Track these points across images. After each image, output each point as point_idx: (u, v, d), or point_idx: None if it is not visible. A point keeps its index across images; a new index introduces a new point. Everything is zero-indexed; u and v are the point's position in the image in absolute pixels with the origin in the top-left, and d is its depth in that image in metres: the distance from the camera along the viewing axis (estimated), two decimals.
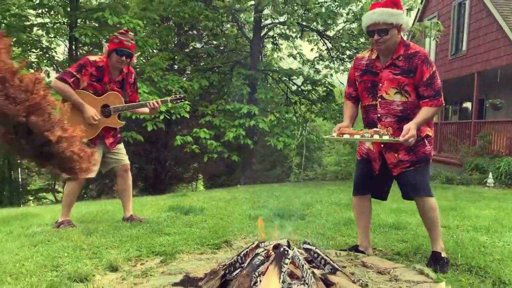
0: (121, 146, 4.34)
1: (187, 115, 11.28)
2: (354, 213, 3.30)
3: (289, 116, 14.11)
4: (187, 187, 21.48)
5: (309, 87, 14.71)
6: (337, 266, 2.32)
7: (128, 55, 3.96)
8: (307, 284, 2.06)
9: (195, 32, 16.47)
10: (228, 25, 16.35)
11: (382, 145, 2.94)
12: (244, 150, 13.49)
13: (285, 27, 13.71)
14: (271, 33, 15.54)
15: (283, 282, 2.05)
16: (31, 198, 12.90)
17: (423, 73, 2.76)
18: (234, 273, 2.22)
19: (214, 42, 16.41)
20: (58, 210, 5.75)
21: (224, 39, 15.19)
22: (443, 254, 2.87)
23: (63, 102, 3.95)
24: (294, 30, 14.01)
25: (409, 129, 2.63)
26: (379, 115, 2.92)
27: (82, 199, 11.29)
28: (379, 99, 2.90)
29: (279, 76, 14.65)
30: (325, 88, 14.25)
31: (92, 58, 4.00)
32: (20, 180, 15.73)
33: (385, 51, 2.85)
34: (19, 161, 13.45)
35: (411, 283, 2.34)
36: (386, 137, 2.70)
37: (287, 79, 14.77)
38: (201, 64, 14.97)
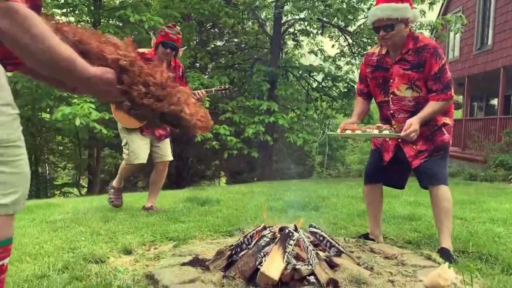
0: (167, 141, 4.49)
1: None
2: (365, 201, 3.31)
3: (310, 113, 14.06)
4: (209, 184, 21.69)
5: (330, 84, 14.63)
6: (342, 249, 2.35)
7: (173, 47, 4.09)
8: (311, 264, 2.10)
9: (216, 30, 16.61)
10: (250, 23, 16.43)
11: (399, 139, 2.91)
12: (264, 146, 13.53)
13: (306, 23, 13.69)
14: (291, 30, 15.53)
15: (288, 262, 2.09)
16: (57, 192, 13.32)
17: (431, 66, 2.71)
18: (241, 254, 2.27)
19: (235, 40, 16.51)
20: (80, 201, 5.96)
21: (244, 36, 15.26)
22: (452, 252, 2.75)
23: None
24: (315, 26, 13.97)
25: (411, 124, 2.61)
26: (392, 112, 2.91)
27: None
28: (391, 95, 2.89)
29: (300, 72, 14.62)
30: (346, 84, 14.15)
31: (140, 50, 4.15)
32: (47, 175, 16.23)
33: (392, 47, 2.82)
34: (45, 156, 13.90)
35: (417, 267, 2.35)
36: (386, 132, 2.70)
37: (308, 75, 14.74)
38: (222, 61, 15.08)
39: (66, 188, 14.36)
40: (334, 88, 14.68)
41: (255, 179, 10.95)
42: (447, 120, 2.88)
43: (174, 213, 4.23)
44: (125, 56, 1.45)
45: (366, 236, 3.11)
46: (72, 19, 12.25)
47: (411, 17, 2.74)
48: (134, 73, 1.45)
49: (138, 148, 4.25)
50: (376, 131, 2.72)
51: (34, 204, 5.22)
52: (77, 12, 11.53)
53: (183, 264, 2.31)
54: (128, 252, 2.92)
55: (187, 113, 1.50)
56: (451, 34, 15.16)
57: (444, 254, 2.65)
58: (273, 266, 2.03)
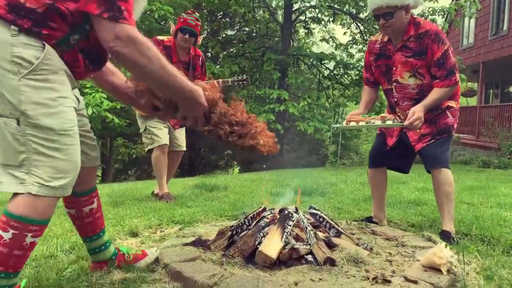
0: (183, 131, 4.48)
1: None
2: (369, 185, 3.31)
3: (322, 101, 13.99)
4: (221, 173, 21.81)
5: (342, 71, 14.52)
6: (341, 230, 2.37)
7: (192, 33, 4.04)
8: (310, 244, 2.13)
9: (227, 19, 16.58)
10: (260, 11, 16.35)
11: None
12: (275, 135, 13.54)
13: (317, 10, 13.57)
14: (302, 18, 15.41)
15: (286, 243, 2.13)
16: None
17: (434, 52, 2.67)
18: (241, 234, 2.32)
19: (246, 29, 16.46)
20: None
21: (255, 25, 15.20)
22: (453, 235, 2.75)
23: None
24: (326, 13, 13.84)
25: (414, 112, 2.59)
26: (395, 100, 2.90)
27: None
28: (394, 83, 2.87)
29: (311, 60, 14.54)
30: (357, 72, 14.04)
31: (159, 37, 4.19)
32: None
33: (393, 34, 2.79)
34: None
35: (417, 248, 2.36)
36: (389, 122, 2.69)
37: (319, 63, 14.65)
38: (233, 50, 15.07)
39: None
40: (345, 76, 14.58)
41: (264, 166, 10.96)
42: (452, 103, 2.84)
43: (181, 198, 4.30)
44: (212, 96, 1.71)
45: (369, 219, 3.12)
46: None
47: (411, 3, 2.68)
48: (221, 114, 1.70)
49: (158, 131, 4.21)
50: (379, 122, 2.71)
51: None
52: None
53: (185, 244, 2.37)
54: (134, 234, 2.99)
55: (262, 144, 1.78)
56: (466, 20, 14.87)
57: (445, 236, 2.65)
58: (271, 245, 2.07)
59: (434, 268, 1.95)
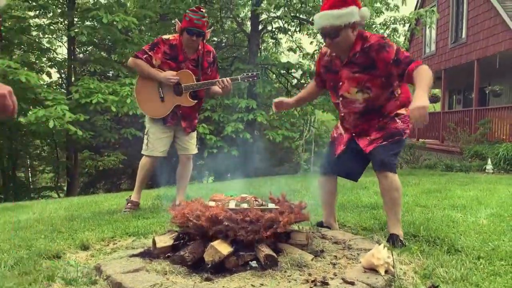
0: (194, 135, 4.30)
1: None
2: (320, 192, 3.31)
3: (290, 110, 14.07)
4: (192, 183, 21.57)
5: (309, 80, 14.70)
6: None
7: (199, 34, 3.86)
8: (253, 250, 2.14)
9: None
10: (228, 22, 16.43)
11: (353, 133, 2.93)
12: (244, 144, 13.57)
13: (283, 21, 13.75)
14: (269, 27, 15.57)
15: (235, 247, 2.14)
16: (36, 196, 13.23)
17: (385, 58, 2.63)
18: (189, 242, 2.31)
19: (214, 39, 16.50)
20: (51, 203, 5.92)
21: (223, 34, 15.26)
22: (401, 238, 2.75)
23: (138, 80, 4.08)
24: (292, 23, 14.04)
25: (417, 105, 2.34)
26: (343, 114, 2.91)
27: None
28: (340, 98, 2.86)
29: (278, 70, 14.69)
30: None
31: (165, 36, 4.04)
32: (30, 179, 16.04)
33: (339, 51, 2.76)
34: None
35: (362, 251, 2.41)
36: (245, 205, 2.53)
37: (286, 72, 14.81)
38: None
39: (44, 192, 14.24)
40: None
41: (228, 175, 10.97)
42: (401, 111, 2.84)
43: (140, 210, 4.24)
44: None
45: (321, 224, 3.16)
46: (47, 21, 12.16)
47: (358, 20, 2.62)
48: None
49: (157, 140, 4.08)
50: (245, 205, 2.53)
51: (2, 207, 5.19)
52: (51, 14, 11.41)
53: (132, 255, 2.34)
54: (85, 247, 2.93)
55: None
56: (427, 29, 15.38)
57: (392, 239, 2.68)
58: (222, 245, 2.10)
59: (373, 269, 1.99)
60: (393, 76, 2.70)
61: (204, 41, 4.03)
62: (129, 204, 4.16)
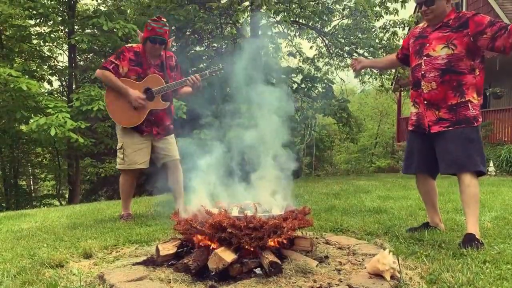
0: (171, 139, 4.24)
1: (184, 116, 11.38)
2: (419, 192, 3.33)
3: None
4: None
5: (309, 85, 14.73)
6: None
7: (161, 42, 3.99)
8: (258, 257, 2.13)
9: (196, 35, 16.60)
10: (228, 28, 16.47)
11: (425, 102, 2.95)
12: None
13: (282, 26, 13.77)
14: (269, 33, 15.60)
15: (238, 255, 2.12)
16: (37, 204, 13.20)
17: (478, 21, 2.76)
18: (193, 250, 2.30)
19: (215, 44, 16.52)
20: (53, 211, 5.91)
21: (223, 40, 15.28)
22: (477, 236, 2.72)
23: (107, 92, 4.07)
24: (292, 28, 14.07)
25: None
26: (423, 72, 2.96)
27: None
28: (424, 57, 2.96)
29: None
30: (324, 85, 14.28)
31: (128, 45, 4.12)
32: (27, 187, 16.00)
33: (433, 20, 2.94)
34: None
35: (367, 256, 2.39)
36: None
37: (285, 77, 14.82)
38: (202, 66, 15.07)
39: (46, 200, 14.23)
40: (313, 89, 14.78)
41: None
42: (473, 99, 2.85)
43: (142, 217, 4.23)
44: None
45: (426, 225, 3.17)
46: (47, 29, 12.19)
47: None
48: None
49: (134, 153, 4.05)
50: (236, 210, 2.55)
51: (4, 216, 5.17)
52: (51, 22, 11.45)
53: (135, 264, 2.33)
54: (88, 256, 2.91)
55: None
56: None
57: (469, 241, 2.65)
58: (227, 252, 2.09)
59: (379, 275, 1.97)
60: (484, 38, 2.74)
61: (166, 49, 4.14)
62: (122, 219, 4.14)
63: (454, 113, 2.84)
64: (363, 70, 14.34)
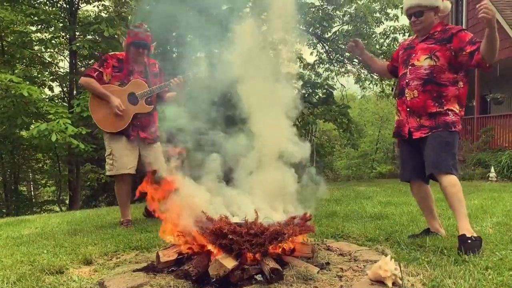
0: (158, 149, 4.20)
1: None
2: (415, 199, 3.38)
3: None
4: None
5: (309, 90, 14.74)
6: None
7: (144, 46, 4.05)
8: (259, 264, 2.12)
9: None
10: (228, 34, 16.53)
11: (408, 109, 3.04)
12: None
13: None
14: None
15: (239, 261, 2.11)
16: (38, 210, 13.20)
17: (461, 37, 2.85)
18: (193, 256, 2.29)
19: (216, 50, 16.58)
20: (53, 217, 5.90)
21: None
22: (468, 234, 2.74)
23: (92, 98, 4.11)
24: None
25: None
26: (407, 81, 3.05)
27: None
28: (410, 67, 3.05)
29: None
30: (324, 91, 14.30)
31: (112, 53, 4.21)
32: (32, 192, 15.98)
33: (422, 31, 3.03)
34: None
35: (368, 262, 2.38)
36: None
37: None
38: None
39: (46, 206, 14.21)
40: (313, 95, 14.80)
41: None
42: (454, 108, 2.94)
43: (142, 223, 4.22)
44: None
45: (427, 231, 3.17)
46: (49, 35, 12.24)
47: (441, 6, 3.00)
48: None
49: (123, 157, 4.04)
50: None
51: (4, 222, 5.16)
52: (52, 29, 11.49)
53: (135, 270, 2.32)
54: (88, 262, 2.91)
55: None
56: None
57: (462, 242, 2.69)
58: (227, 259, 2.08)
59: (380, 281, 1.96)
60: (463, 55, 2.84)
61: (149, 55, 4.19)
62: (122, 225, 4.14)
63: (434, 119, 2.96)
64: (363, 75, 14.38)
